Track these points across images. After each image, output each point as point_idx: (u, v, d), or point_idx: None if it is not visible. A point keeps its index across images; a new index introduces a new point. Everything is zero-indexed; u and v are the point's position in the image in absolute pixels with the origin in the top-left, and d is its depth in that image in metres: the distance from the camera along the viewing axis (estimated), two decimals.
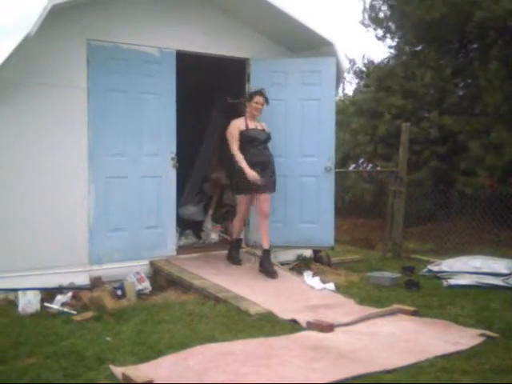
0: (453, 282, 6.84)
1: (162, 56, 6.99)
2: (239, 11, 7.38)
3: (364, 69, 13.42)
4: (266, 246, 6.88)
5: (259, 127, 6.98)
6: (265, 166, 6.87)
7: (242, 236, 7.44)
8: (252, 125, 6.92)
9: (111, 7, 6.61)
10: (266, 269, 6.75)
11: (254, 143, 6.84)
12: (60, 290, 6.10)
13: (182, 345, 4.62)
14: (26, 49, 5.71)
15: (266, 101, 6.99)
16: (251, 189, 6.77)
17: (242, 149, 6.80)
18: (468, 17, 10.44)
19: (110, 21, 6.62)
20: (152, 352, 4.49)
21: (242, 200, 7.03)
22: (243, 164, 6.70)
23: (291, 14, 7.20)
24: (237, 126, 6.89)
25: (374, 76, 12.58)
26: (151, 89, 6.92)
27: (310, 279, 6.66)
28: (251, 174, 6.65)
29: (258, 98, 6.93)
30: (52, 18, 5.74)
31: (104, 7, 6.53)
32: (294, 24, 7.29)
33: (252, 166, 6.72)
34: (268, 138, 7.00)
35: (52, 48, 6.21)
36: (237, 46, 7.54)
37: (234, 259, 7.11)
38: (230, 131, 6.89)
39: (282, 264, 7.44)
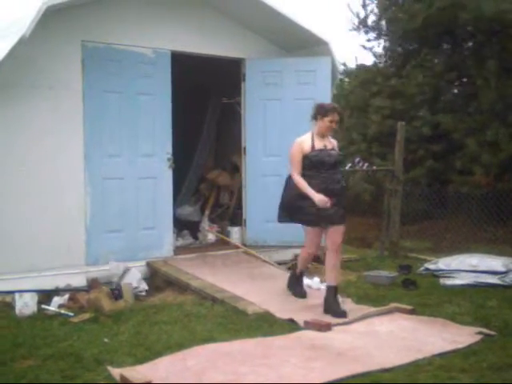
0: (449, 282, 6.83)
1: (157, 57, 6.98)
2: (234, 11, 7.38)
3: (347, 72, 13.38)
4: (331, 282, 5.70)
5: (329, 146, 5.77)
6: (332, 193, 5.60)
7: (302, 268, 6.24)
8: (319, 144, 5.71)
9: (106, 8, 6.60)
10: (333, 309, 5.56)
11: (321, 168, 5.63)
12: (57, 291, 6.09)
13: (180, 345, 4.62)
14: (23, 50, 5.73)
15: (341, 119, 5.90)
16: (317, 221, 5.67)
17: (306, 174, 5.66)
18: (455, 19, 10.46)
19: (105, 22, 6.62)
20: (150, 353, 4.49)
21: (308, 230, 5.88)
22: (309, 190, 5.55)
23: (286, 14, 7.23)
24: (300, 147, 5.70)
25: (364, 76, 12.58)
26: (146, 89, 6.91)
27: (307, 279, 6.65)
28: (319, 198, 5.49)
29: (335, 116, 5.69)
30: (47, 20, 5.75)
31: (99, 8, 6.53)
32: (289, 23, 7.31)
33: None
34: (338, 160, 5.82)
35: (48, 50, 6.21)
36: (232, 46, 7.55)
37: (296, 292, 6.10)
38: (291, 153, 5.75)
39: (279, 263, 7.43)
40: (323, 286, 6.44)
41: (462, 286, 6.70)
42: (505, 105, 9.93)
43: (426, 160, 10.96)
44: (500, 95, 9.95)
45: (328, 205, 5.49)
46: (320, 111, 5.75)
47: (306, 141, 5.72)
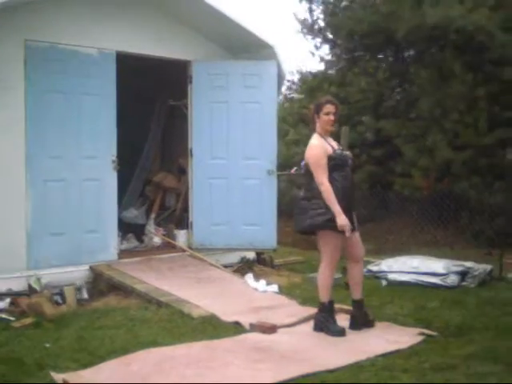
0: (392, 277, 6.99)
1: (102, 57, 6.88)
2: (181, 13, 7.36)
3: (296, 79, 13.54)
4: (359, 295, 5.44)
5: (340, 147, 5.46)
6: (352, 194, 5.39)
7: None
8: (334, 145, 5.32)
9: (50, 7, 6.47)
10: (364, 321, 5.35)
11: (345, 166, 5.23)
12: None
13: (125, 350, 4.57)
14: None
15: (337, 109, 5.32)
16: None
17: (332, 175, 5.14)
18: (394, 30, 10.69)
19: (49, 21, 6.49)
20: (93, 358, 4.42)
21: (331, 240, 5.22)
22: (337, 207, 5.01)
23: (232, 17, 7.24)
24: (323, 149, 5.17)
25: (308, 84, 12.73)
26: (91, 90, 6.80)
27: (253, 281, 6.68)
28: (344, 222, 5.01)
29: (329, 107, 5.25)
30: None
31: (43, 8, 6.39)
32: (235, 26, 7.33)
33: (343, 199, 5.09)
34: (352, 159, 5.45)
35: None
36: (179, 48, 7.50)
37: (334, 331, 5.12)
38: (317, 156, 5.15)
39: (226, 266, 7.43)
40: (269, 289, 6.48)
41: (409, 283, 6.87)
42: (442, 112, 10.17)
43: (368, 164, 11.15)
44: (437, 102, 10.19)
45: (348, 234, 5.06)
46: (314, 110, 5.37)
47: (323, 142, 5.24)
